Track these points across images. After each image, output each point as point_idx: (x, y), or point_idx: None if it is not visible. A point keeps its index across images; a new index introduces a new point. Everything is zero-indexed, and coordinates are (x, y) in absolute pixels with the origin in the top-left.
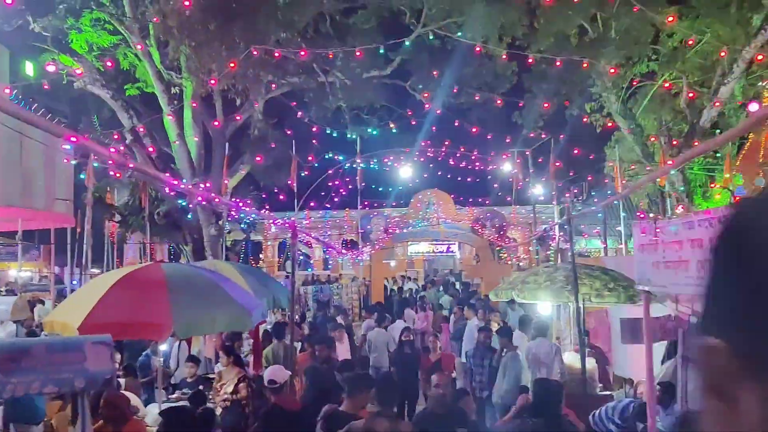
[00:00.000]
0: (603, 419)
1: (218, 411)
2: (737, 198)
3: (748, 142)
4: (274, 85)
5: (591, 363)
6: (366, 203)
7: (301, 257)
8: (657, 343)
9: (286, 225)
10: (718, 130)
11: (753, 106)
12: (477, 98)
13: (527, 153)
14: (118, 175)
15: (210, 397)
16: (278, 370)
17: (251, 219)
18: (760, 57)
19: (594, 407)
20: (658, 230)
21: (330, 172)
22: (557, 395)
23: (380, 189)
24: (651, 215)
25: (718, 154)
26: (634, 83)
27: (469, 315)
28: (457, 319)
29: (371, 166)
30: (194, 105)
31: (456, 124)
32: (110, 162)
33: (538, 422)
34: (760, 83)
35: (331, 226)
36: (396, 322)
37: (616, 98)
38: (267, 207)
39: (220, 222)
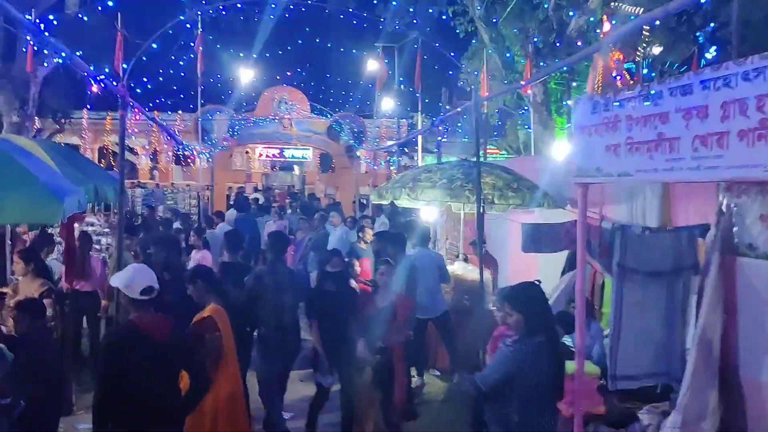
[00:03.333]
0: None
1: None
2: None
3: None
4: None
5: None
6: (204, 104)
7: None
8: (557, 253)
9: (116, 87)
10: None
11: (606, 26)
12: None
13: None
14: None
15: None
16: (146, 271)
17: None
18: None
19: (492, 322)
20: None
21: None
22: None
23: (221, 85)
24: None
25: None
26: None
27: (336, 221)
28: (318, 227)
29: (214, 49)
30: None
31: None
32: None
33: (542, 342)
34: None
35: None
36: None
37: (480, 3)
38: (88, 105)
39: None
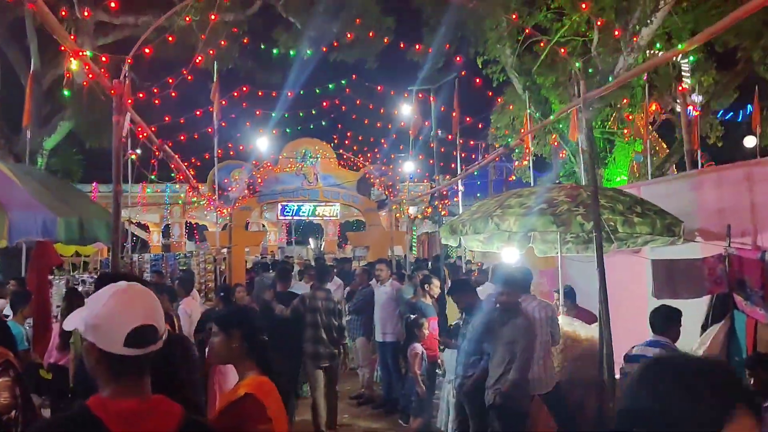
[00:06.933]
0: None
1: None
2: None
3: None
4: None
5: (592, 331)
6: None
7: (136, 240)
8: (694, 300)
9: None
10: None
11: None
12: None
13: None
14: None
15: None
16: (143, 297)
17: None
18: None
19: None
20: None
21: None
22: None
23: (239, 142)
24: None
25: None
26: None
27: (385, 275)
28: (360, 286)
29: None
30: None
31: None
32: None
33: None
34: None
35: (174, 202)
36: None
37: (511, 51)
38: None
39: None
